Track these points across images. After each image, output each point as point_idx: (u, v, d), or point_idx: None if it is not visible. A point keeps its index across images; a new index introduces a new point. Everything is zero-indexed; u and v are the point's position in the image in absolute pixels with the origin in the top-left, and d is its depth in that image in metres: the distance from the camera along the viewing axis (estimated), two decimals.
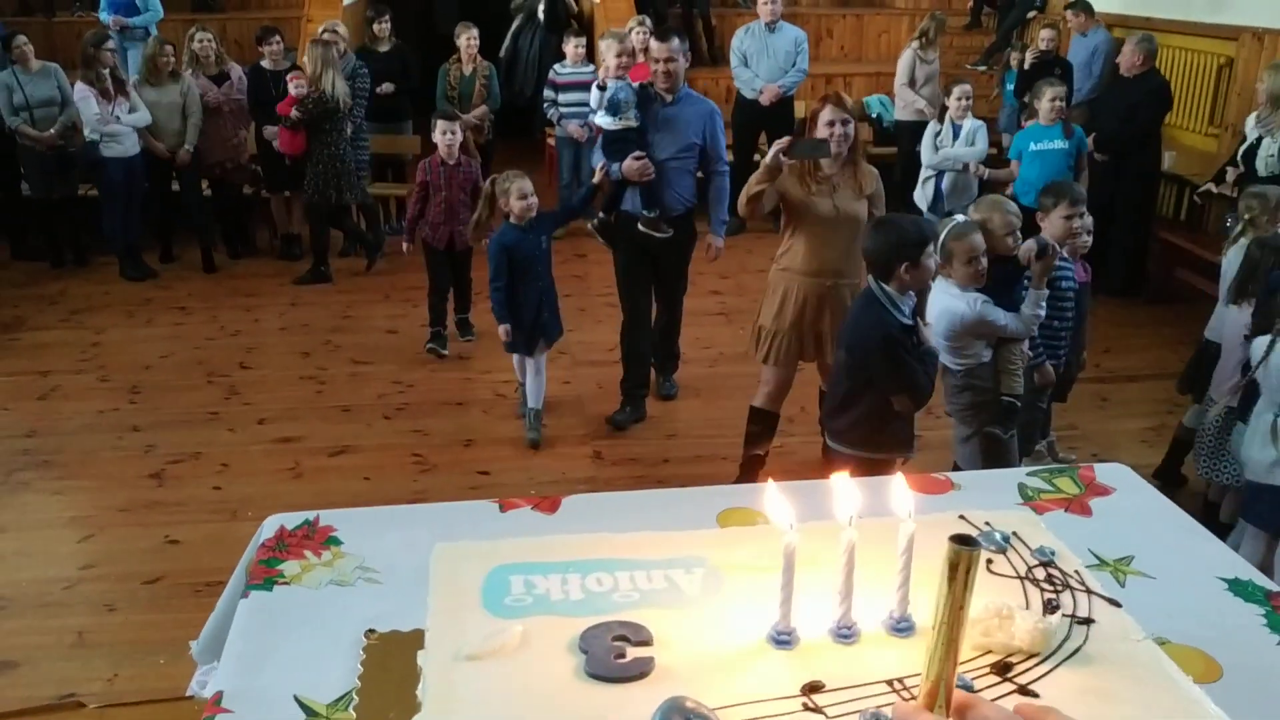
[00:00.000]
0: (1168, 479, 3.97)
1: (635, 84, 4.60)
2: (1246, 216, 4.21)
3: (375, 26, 7.81)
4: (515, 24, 9.34)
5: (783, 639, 1.00)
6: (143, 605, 3.64)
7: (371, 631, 1.22)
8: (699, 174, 4.83)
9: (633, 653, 0.98)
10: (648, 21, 7.53)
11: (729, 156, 7.85)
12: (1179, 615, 1.26)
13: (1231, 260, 4.29)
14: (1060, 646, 1.00)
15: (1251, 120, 5.70)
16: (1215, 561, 1.45)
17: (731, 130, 7.89)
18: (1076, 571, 1.13)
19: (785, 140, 3.79)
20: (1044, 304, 3.45)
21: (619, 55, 4.83)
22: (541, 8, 8.93)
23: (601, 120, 4.64)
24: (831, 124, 3.83)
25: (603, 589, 1.08)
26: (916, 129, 7.80)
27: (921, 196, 5.98)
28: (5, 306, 6.10)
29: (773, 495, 1.04)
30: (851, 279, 4.07)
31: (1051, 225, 3.73)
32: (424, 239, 5.43)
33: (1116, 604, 1.08)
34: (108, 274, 6.70)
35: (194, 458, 4.65)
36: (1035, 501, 1.57)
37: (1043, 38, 7.46)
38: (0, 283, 6.53)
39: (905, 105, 8.05)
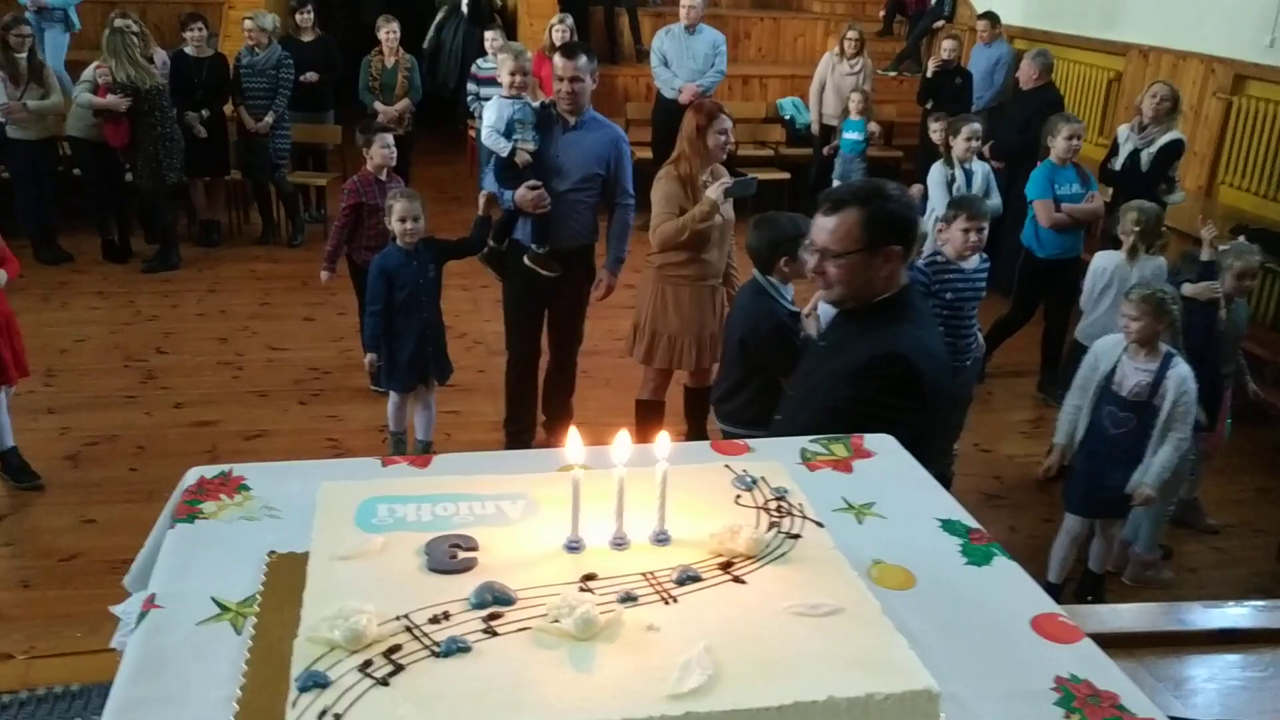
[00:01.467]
0: None
1: (535, 103, 4.36)
2: (1137, 229, 4.69)
3: (298, 17, 7.99)
4: (439, 15, 9.54)
5: (573, 546, 1.39)
6: (59, 582, 3.87)
7: (272, 552, 1.58)
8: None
9: (462, 555, 1.36)
10: (569, 20, 7.77)
11: (648, 154, 8.10)
12: (896, 544, 1.67)
13: (1100, 266, 4.77)
14: (770, 552, 1.41)
15: (1125, 130, 6.13)
16: (938, 507, 1.88)
17: (651, 128, 8.30)
18: (800, 505, 1.53)
19: (725, 182, 3.98)
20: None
21: (513, 73, 4.51)
22: (465, 1, 9.14)
23: (491, 142, 4.29)
24: (724, 133, 4.15)
25: (446, 514, 1.46)
26: (826, 133, 8.33)
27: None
28: None
29: (574, 440, 1.43)
30: (722, 278, 4.43)
31: (951, 236, 4.15)
32: (355, 259, 5.01)
33: (820, 524, 1.49)
34: (23, 257, 6.88)
35: (110, 440, 4.88)
36: (811, 462, 1.98)
37: (945, 48, 7.95)
38: None
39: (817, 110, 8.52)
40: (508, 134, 4.24)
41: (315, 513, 1.48)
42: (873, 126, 7.93)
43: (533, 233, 4.29)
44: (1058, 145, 5.47)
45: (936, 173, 5.72)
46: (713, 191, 3.93)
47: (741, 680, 1.16)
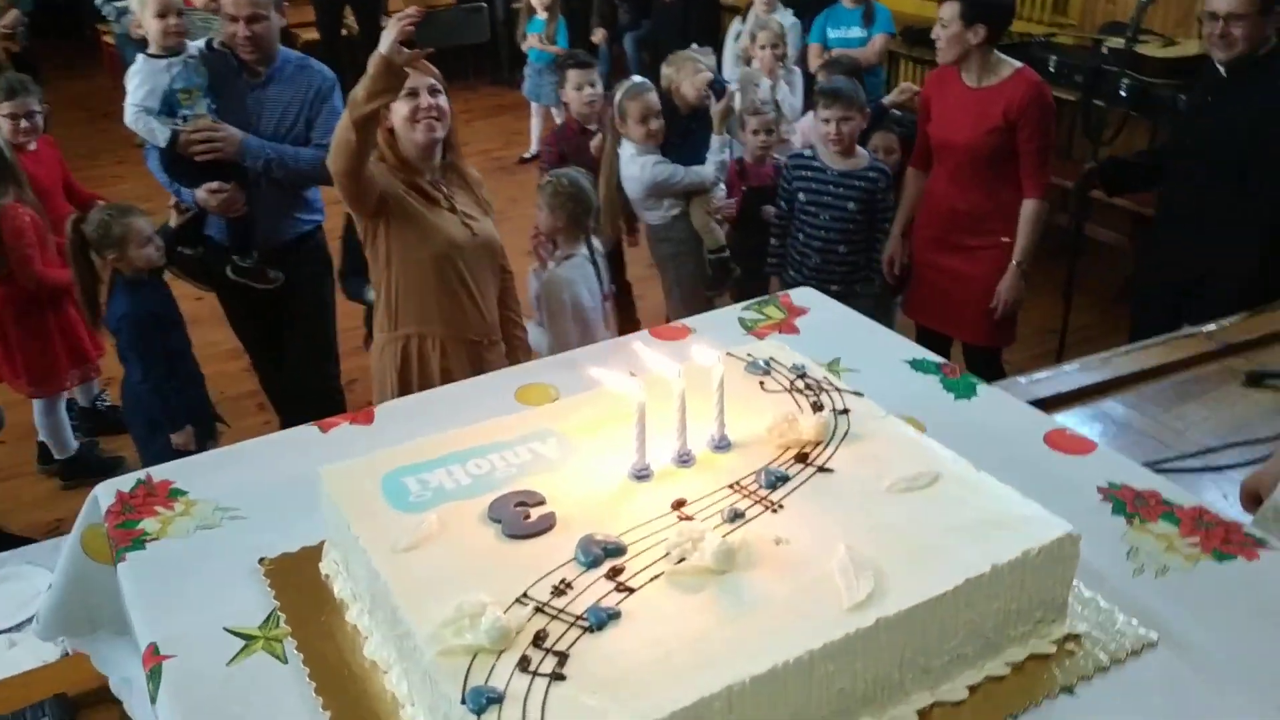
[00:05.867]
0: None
1: (197, 48, 3.23)
2: None
3: None
4: None
5: (643, 473, 1.28)
6: None
7: (263, 559, 1.36)
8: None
9: (535, 513, 1.21)
10: None
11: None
12: (882, 394, 1.64)
13: None
14: (834, 433, 1.35)
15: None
16: (897, 348, 1.88)
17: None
18: (825, 377, 1.48)
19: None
20: (726, 150, 3.68)
21: (162, 14, 3.14)
22: None
23: (143, 128, 3.19)
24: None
25: (483, 471, 1.30)
26: None
27: None
28: None
29: (604, 372, 1.30)
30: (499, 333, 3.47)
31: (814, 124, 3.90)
32: None
33: (859, 394, 1.44)
34: None
35: None
36: (755, 330, 1.93)
37: None
38: None
39: None
40: (169, 111, 3.08)
41: (332, 505, 1.27)
42: None
43: (230, 238, 3.33)
44: None
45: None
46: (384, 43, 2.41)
47: (900, 573, 1.11)
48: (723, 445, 1.33)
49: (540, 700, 0.97)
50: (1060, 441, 1.59)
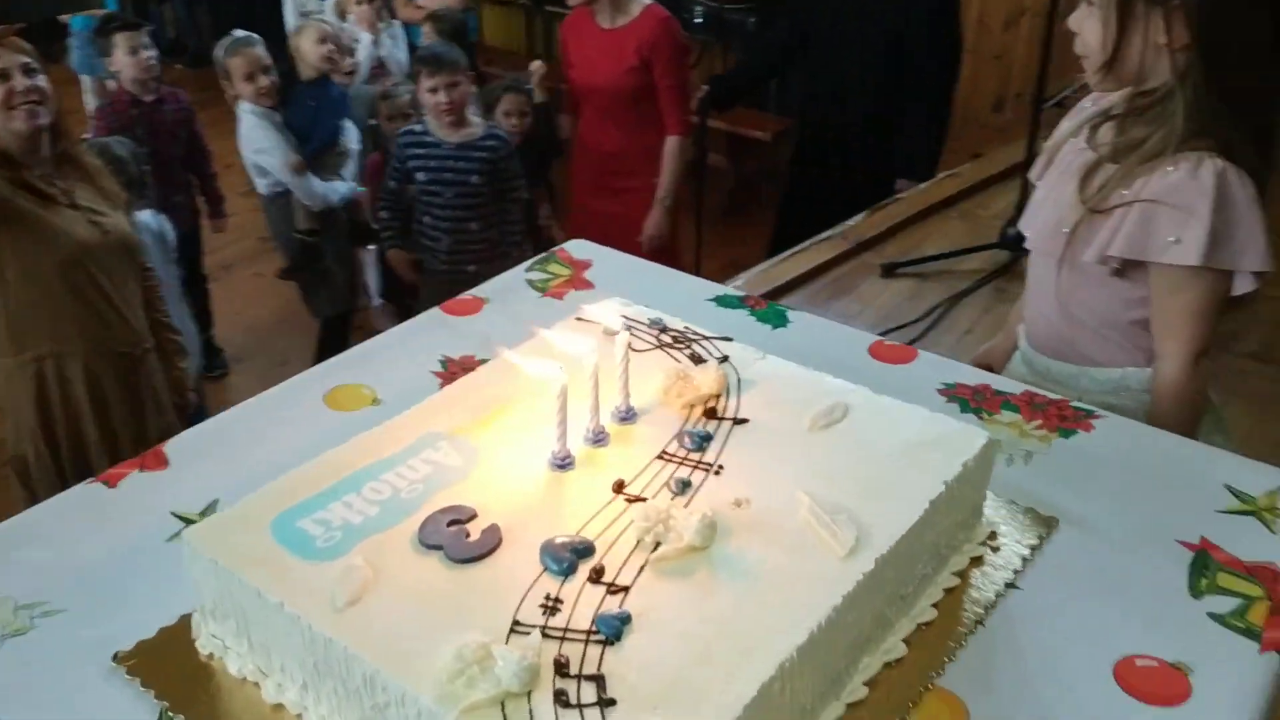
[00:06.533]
0: None
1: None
2: None
3: None
4: None
5: (565, 462, 1.17)
6: None
7: (118, 653, 1.11)
8: None
9: (473, 529, 1.08)
10: None
11: None
12: None
13: None
14: (729, 381, 1.32)
15: None
16: (695, 289, 1.87)
17: None
18: (687, 327, 1.44)
19: None
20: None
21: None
22: None
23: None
24: None
25: (385, 496, 1.13)
26: None
27: None
28: None
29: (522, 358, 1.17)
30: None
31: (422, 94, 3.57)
32: None
33: (729, 339, 1.42)
34: None
35: None
36: (551, 290, 1.84)
37: None
38: None
39: None
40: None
41: (206, 572, 1.05)
42: None
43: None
44: None
45: None
46: None
47: (866, 509, 1.11)
48: (629, 416, 1.26)
49: None
50: (883, 353, 1.66)
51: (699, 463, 1.18)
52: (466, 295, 1.82)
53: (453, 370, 1.60)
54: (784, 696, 0.94)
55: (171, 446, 1.44)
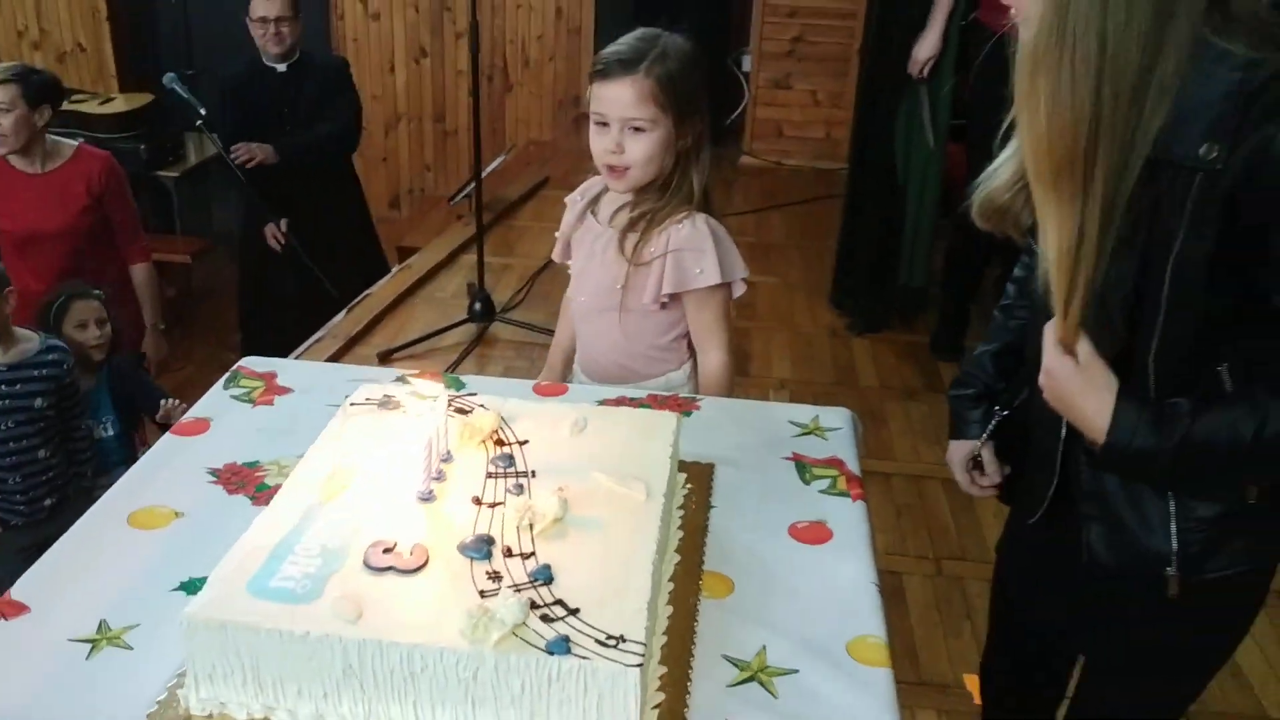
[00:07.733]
0: None
1: None
2: None
3: None
4: None
5: (428, 495, 1.60)
6: None
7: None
8: None
9: (401, 551, 1.48)
10: None
11: None
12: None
13: None
14: (494, 416, 1.81)
15: None
16: (337, 370, 2.28)
17: None
18: (413, 389, 1.89)
19: None
20: None
21: None
22: None
23: None
24: None
25: (317, 549, 1.46)
26: None
27: None
28: None
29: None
30: None
31: None
32: None
33: (473, 394, 1.91)
34: None
35: None
36: (260, 399, 2.15)
37: None
38: None
39: None
40: None
41: (200, 645, 1.33)
42: None
43: None
44: None
45: None
46: None
47: (635, 473, 1.68)
48: (448, 458, 1.70)
49: (586, 627, 1.35)
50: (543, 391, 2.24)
51: (518, 473, 1.67)
52: (188, 418, 2.06)
53: (226, 477, 1.88)
54: (654, 578, 1.48)
55: (17, 591, 1.58)
